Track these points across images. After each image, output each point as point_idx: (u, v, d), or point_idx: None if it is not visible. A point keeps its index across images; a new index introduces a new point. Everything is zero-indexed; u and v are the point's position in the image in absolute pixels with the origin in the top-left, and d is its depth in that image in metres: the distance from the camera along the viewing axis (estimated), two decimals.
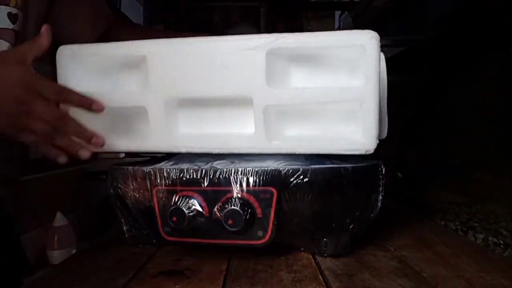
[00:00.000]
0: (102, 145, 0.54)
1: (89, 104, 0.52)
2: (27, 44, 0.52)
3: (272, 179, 0.48)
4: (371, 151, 0.46)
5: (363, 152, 0.47)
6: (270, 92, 0.48)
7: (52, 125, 0.50)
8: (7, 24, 0.63)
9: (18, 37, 0.65)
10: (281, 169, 0.48)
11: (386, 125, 0.56)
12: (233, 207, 0.47)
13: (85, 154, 0.53)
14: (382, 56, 0.50)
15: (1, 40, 0.63)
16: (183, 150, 0.53)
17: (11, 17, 0.64)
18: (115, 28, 0.82)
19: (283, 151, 0.50)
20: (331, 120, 0.49)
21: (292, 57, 0.49)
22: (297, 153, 0.50)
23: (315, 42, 0.47)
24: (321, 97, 0.47)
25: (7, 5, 0.63)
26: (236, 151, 0.52)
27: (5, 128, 0.49)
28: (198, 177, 0.50)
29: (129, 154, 2.91)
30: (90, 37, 0.76)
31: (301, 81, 0.49)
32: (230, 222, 0.47)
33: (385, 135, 0.55)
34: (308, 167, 0.48)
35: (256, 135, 0.50)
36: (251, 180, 0.48)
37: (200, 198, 0.50)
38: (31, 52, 0.51)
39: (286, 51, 0.48)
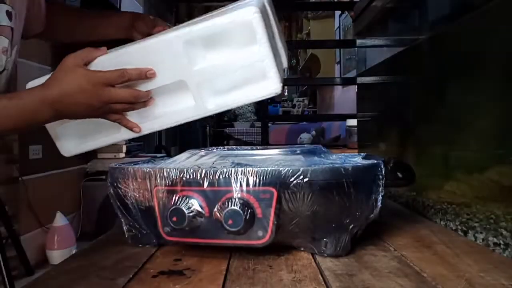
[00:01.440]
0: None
1: (145, 73, 0.61)
2: (86, 51, 0.62)
3: (272, 179, 0.48)
4: (279, 91, 0.59)
5: (274, 94, 0.60)
6: (196, 72, 0.61)
7: (127, 102, 0.61)
8: (6, 21, 0.65)
9: (13, 34, 0.66)
10: (281, 169, 0.48)
11: (285, 56, 0.71)
12: (233, 207, 0.47)
13: None
14: (267, 1, 0.65)
15: (2, 37, 0.64)
16: (156, 127, 0.66)
17: (8, 14, 0.65)
18: (51, 14, 0.87)
19: (218, 110, 0.62)
20: (247, 78, 0.60)
21: (204, 40, 0.60)
22: (227, 108, 0.63)
23: (213, 26, 0.59)
24: (233, 66, 0.60)
25: (4, 3, 0.64)
26: (187, 121, 0.64)
27: (93, 116, 0.62)
28: (198, 177, 0.50)
29: (128, 153, 2.90)
30: (41, 30, 0.83)
31: (216, 57, 0.61)
32: (230, 222, 0.47)
33: (287, 64, 0.73)
34: (308, 167, 0.48)
35: (196, 105, 0.62)
36: (251, 180, 0.48)
37: (200, 198, 0.50)
38: (87, 58, 0.62)
39: (197, 38, 0.60)
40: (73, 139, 0.69)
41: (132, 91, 0.61)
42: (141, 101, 0.62)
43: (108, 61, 0.62)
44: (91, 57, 0.62)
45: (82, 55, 0.61)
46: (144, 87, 0.62)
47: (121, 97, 0.60)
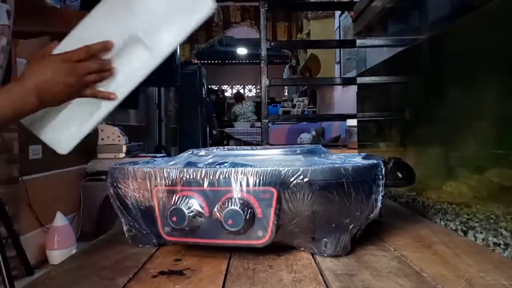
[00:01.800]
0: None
1: (106, 45, 0.66)
2: (46, 46, 0.68)
3: (272, 179, 0.48)
4: (215, 5, 0.64)
5: (211, 10, 0.64)
6: (140, 22, 0.67)
7: (97, 71, 0.66)
8: (6, 20, 0.66)
9: (10, 33, 0.69)
10: (281, 169, 0.48)
11: None
12: (233, 207, 0.47)
13: None
14: None
15: (2, 36, 0.65)
16: (128, 89, 0.70)
17: (8, 13, 0.66)
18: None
19: (172, 47, 0.68)
20: (183, 8, 0.66)
21: None
22: (179, 43, 0.69)
23: None
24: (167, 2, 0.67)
25: (5, 2, 0.65)
26: (151, 70, 0.68)
27: (71, 96, 0.67)
28: (198, 177, 0.50)
29: (128, 153, 2.91)
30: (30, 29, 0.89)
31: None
32: (230, 222, 0.47)
33: None
34: (308, 167, 0.48)
35: (152, 53, 0.68)
36: (251, 180, 0.48)
37: (200, 198, 0.50)
38: (49, 49, 0.68)
39: None
40: (62, 134, 0.71)
41: (97, 60, 0.66)
42: (107, 69, 0.67)
43: (67, 44, 0.67)
44: (51, 47, 0.68)
45: (44, 48, 0.68)
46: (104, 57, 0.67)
47: (91, 68, 0.65)
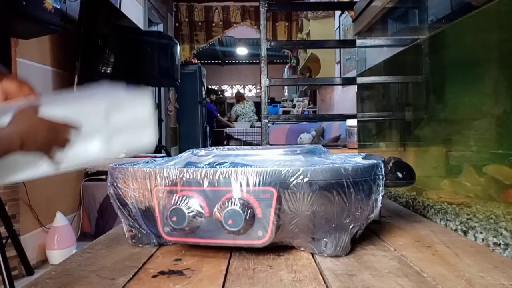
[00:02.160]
0: None
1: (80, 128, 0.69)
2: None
3: (272, 179, 0.48)
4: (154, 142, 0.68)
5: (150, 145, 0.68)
6: (106, 127, 0.72)
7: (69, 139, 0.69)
8: None
9: None
10: (281, 169, 0.48)
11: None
12: (233, 207, 0.47)
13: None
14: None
15: None
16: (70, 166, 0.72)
17: None
18: None
19: (121, 153, 0.69)
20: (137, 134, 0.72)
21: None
22: (125, 152, 0.70)
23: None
24: (129, 125, 0.72)
25: None
26: (96, 162, 0.69)
27: (49, 148, 0.68)
28: (198, 177, 0.50)
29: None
30: None
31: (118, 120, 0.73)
32: (230, 222, 0.48)
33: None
34: (308, 167, 0.48)
35: (104, 148, 0.69)
36: (251, 180, 0.48)
37: (200, 198, 0.50)
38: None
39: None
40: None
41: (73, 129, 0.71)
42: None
43: (55, 110, 0.71)
44: (37, 106, 0.70)
45: (31, 107, 0.71)
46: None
47: (67, 140, 0.69)
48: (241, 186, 0.48)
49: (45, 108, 0.71)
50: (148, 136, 0.73)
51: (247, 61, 10.22)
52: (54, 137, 0.70)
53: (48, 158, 0.71)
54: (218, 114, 7.26)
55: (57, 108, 0.74)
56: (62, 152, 0.71)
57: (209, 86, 7.94)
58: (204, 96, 6.50)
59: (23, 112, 0.70)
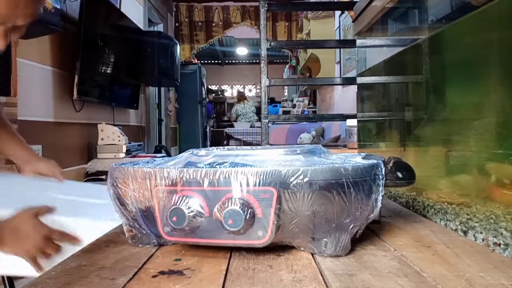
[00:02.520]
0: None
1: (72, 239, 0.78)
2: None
3: (272, 179, 0.48)
4: None
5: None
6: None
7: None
8: None
9: None
10: (281, 169, 0.48)
11: None
12: (233, 207, 0.47)
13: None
14: None
15: None
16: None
17: None
18: None
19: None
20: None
21: None
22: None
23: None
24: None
25: None
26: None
27: (25, 253, 0.76)
28: (198, 177, 0.50)
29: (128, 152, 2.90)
30: None
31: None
32: (230, 222, 0.48)
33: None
34: (308, 167, 0.48)
35: None
36: (251, 180, 0.48)
37: (200, 198, 0.50)
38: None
39: None
40: None
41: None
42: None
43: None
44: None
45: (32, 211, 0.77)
46: None
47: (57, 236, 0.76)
48: (241, 186, 0.48)
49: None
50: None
51: (247, 61, 10.22)
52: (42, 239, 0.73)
53: (30, 261, 0.75)
54: (215, 115, 7.26)
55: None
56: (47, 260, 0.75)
57: (208, 86, 7.94)
58: (204, 96, 6.50)
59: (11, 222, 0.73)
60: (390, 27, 1.06)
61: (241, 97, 6.93)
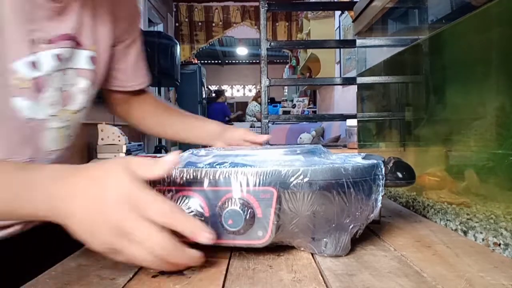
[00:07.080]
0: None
1: (196, 234, 0.43)
2: (145, 164, 0.45)
3: (272, 179, 0.48)
4: None
5: None
6: None
7: (155, 254, 0.41)
8: (88, 65, 0.74)
9: (95, 77, 0.76)
10: (281, 169, 0.48)
11: None
12: (233, 207, 0.47)
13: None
14: None
15: (82, 78, 0.74)
16: None
17: (93, 59, 0.72)
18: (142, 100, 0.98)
19: None
20: None
21: None
22: None
23: None
24: None
25: (89, 49, 0.73)
26: None
27: (100, 248, 0.43)
28: (198, 177, 0.50)
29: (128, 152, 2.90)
30: (130, 89, 0.93)
31: None
32: (230, 222, 0.48)
33: None
34: (308, 167, 0.48)
35: None
36: (251, 180, 0.48)
37: (200, 198, 0.50)
38: (145, 173, 0.44)
39: None
40: None
41: (169, 242, 0.41)
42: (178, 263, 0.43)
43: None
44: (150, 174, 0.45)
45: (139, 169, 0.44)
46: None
47: (149, 239, 0.40)
48: (241, 186, 0.48)
49: None
50: None
51: (247, 61, 10.22)
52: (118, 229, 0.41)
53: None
54: (231, 116, 7.23)
55: None
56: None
57: (208, 86, 7.92)
58: (204, 96, 6.50)
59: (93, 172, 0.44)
60: (390, 27, 1.06)
61: (259, 96, 6.94)
